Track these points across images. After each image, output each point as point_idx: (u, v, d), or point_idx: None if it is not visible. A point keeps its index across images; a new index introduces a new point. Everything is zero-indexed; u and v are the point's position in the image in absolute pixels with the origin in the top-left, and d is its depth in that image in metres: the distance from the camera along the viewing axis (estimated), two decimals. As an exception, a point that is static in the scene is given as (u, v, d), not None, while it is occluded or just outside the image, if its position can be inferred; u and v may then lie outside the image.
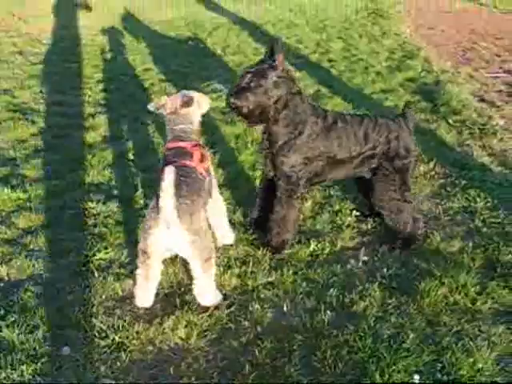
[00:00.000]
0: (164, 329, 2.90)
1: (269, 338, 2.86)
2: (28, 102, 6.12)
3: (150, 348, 2.80)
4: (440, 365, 2.77)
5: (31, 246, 3.59)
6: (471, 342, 2.87)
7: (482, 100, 6.62)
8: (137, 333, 2.86)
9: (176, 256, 3.15)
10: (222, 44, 8.82)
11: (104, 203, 4.07)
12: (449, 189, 4.51)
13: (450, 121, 5.84)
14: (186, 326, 2.92)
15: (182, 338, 2.86)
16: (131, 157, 4.89)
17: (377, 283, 3.31)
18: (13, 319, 2.90)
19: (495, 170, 4.82)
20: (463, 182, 4.58)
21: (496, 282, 3.37)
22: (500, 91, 7.01)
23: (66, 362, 2.69)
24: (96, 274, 3.31)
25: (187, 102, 3.19)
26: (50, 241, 3.64)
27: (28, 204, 4.04)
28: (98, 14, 10.52)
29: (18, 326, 2.84)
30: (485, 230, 3.96)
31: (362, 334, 2.89)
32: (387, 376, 2.64)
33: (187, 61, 7.89)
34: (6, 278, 3.29)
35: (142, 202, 4.13)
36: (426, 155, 4.99)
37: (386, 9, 11.61)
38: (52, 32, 9.29)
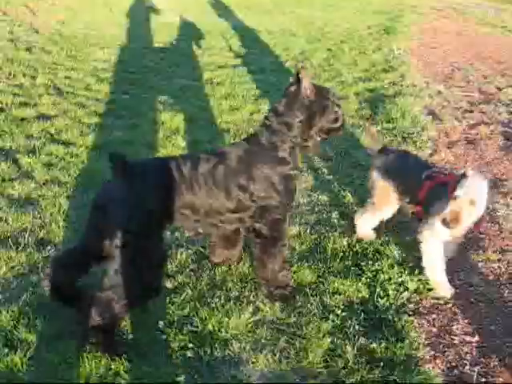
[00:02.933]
0: None
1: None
2: None
3: None
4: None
5: None
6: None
7: (432, 113, 6.61)
8: None
9: None
10: (205, 46, 9.16)
11: None
12: (327, 184, 4.61)
13: (379, 127, 5.88)
14: None
15: None
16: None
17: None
18: None
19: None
20: (347, 180, 4.67)
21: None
22: (459, 108, 6.97)
23: None
24: None
25: None
26: None
27: None
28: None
29: None
30: (335, 221, 4.04)
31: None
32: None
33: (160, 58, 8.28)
34: None
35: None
36: (334, 155, 5.20)
37: (399, 27, 11.61)
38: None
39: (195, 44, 9.58)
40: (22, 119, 5.63)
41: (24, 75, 7.02)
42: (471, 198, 2.90)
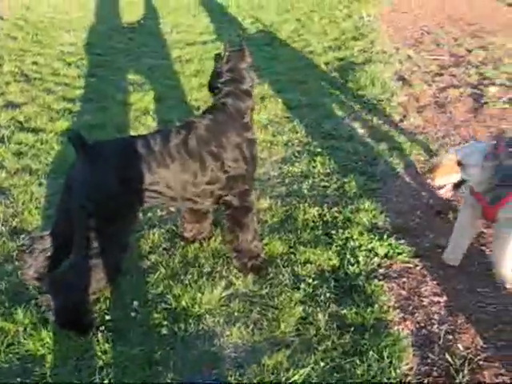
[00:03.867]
0: None
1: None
2: None
3: None
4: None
5: None
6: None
7: (401, 79, 6.62)
8: None
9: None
10: (173, 23, 9.07)
11: None
12: (298, 155, 4.63)
13: (349, 96, 5.90)
14: None
15: None
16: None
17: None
18: None
19: (362, 140, 4.91)
20: (317, 150, 4.69)
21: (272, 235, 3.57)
22: (429, 72, 6.99)
23: None
24: None
25: None
26: None
27: None
28: None
29: None
30: (305, 191, 4.08)
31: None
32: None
33: (128, 38, 8.18)
34: None
35: None
36: (304, 126, 5.17)
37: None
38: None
39: (163, 22, 9.46)
40: (-10, 108, 5.56)
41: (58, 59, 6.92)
42: (459, 159, 2.91)
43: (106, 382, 2.52)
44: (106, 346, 2.71)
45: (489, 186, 2.88)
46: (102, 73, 6.94)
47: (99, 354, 2.68)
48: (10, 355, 2.67)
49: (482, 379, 2.55)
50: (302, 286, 3.09)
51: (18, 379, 2.54)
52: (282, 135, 5.07)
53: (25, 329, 2.80)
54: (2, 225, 3.66)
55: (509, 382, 2.55)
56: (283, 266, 3.26)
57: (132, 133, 5.06)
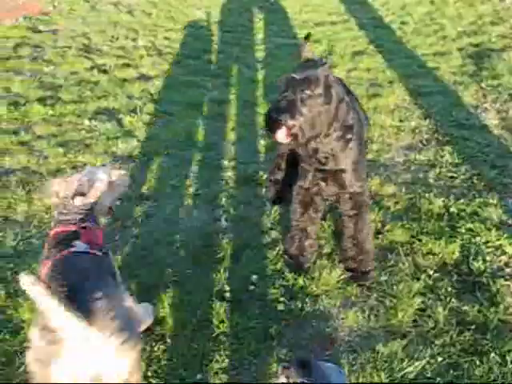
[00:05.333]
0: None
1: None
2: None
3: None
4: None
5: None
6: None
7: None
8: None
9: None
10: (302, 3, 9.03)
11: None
12: (425, 143, 4.50)
13: (483, 84, 5.61)
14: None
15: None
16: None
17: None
18: None
19: (495, 132, 4.67)
20: (446, 139, 4.53)
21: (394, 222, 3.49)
22: None
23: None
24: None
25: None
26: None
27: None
28: None
29: None
30: (431, 181, 3.97)
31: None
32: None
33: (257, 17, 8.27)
34: None
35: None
36: (434, 113, 5.01)
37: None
38: None
39: (291, 1, 9.45)
40: (124, 80, 5.87)
41: (126, 37, 7.26)
42: None
43: (221, 351, 2.57)
44: (223, 315, 2.78)
45: None
46: (229, 49, 7.07)
47: (216, 322, 2.75)
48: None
49: None
50: (423, 276, 3.01)
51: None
52: (409, 121, 4.91)
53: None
54: (133, 191, 3.84)
55: None
56: (404, 255, 3.17)
57: (259, 110, 5.12)
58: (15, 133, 4.67)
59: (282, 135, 2.48)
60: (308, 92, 2.43)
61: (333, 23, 8.29)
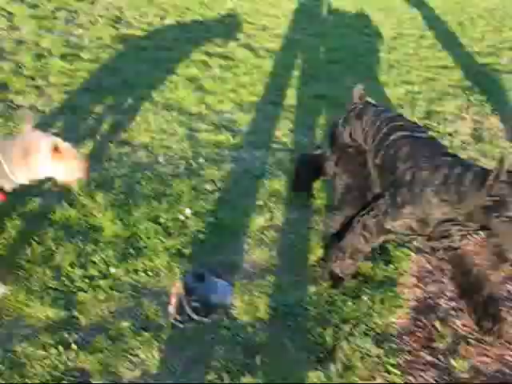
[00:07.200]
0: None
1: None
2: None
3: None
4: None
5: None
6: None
7: None
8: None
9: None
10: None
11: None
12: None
13: (472, 98, 5.89)
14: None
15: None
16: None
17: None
18: None
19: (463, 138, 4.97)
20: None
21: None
22: None
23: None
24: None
25: None
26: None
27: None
28: None
29: None
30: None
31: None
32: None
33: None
34: None
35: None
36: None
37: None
38: None
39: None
40: (143, 49, 6.46)
41: (155, 15, 7.82)
42: None
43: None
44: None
45: None
46: (253, 42, 7.53)
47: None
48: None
49: (462, 352, 2.63)
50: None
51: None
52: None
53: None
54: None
55: (489, 361, 2.63)
56: None
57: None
58: (33, 78, 5.24)
59: None
60: None
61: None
